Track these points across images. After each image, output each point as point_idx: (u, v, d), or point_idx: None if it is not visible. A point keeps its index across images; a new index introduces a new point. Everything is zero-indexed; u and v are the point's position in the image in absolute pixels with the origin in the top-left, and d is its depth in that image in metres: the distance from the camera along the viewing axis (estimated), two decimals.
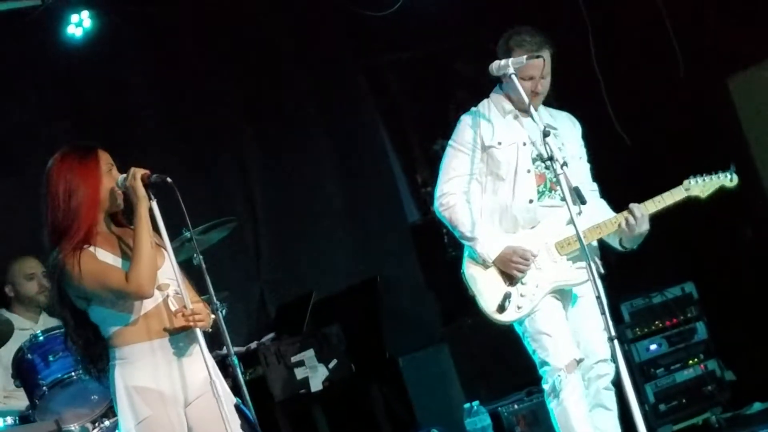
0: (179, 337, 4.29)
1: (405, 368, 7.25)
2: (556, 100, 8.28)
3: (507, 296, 5.06)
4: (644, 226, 5.14)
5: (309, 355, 6.82)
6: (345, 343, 7.05)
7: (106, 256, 4.28)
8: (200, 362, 4.26)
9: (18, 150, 7.16)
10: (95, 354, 4.34)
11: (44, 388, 5.67)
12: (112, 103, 7.49)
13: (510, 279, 5.09)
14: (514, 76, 4.89)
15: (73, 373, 5.68)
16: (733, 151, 7.32)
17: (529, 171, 5.13)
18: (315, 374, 6.80)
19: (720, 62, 7.43)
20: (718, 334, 7.36)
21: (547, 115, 5.24)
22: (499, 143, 5.15)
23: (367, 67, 8.50)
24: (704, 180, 5.22)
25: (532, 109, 4.87)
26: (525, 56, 4.91)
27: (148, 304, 4.27)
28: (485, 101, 5.28)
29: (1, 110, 7.07)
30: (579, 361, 5.05)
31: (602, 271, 5.14)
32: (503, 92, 5.24)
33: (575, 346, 5.10)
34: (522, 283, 5.07)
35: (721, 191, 5.26)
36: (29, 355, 5.74)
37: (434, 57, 8.20)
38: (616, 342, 4.58)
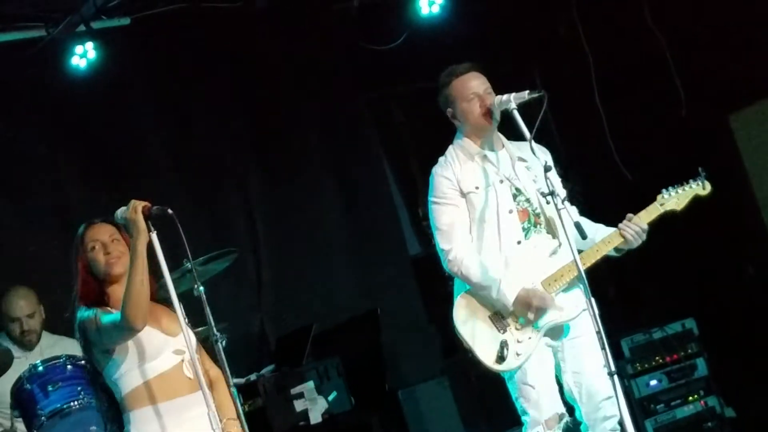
0: (193, 396, 4.34)
1: (405, 401, 7.23)
2: (558, 134, 8.37)
3: (504, 344, 4.95)
4: (641, 239, 5.09)
5: (309, 387, 6.80)
6: (345, 375, 7.03)
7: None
8: (207, 422, 4.28)
9: (20, 180, 7.18)
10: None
11: (43, 418, 5.63)
12: (115, 134, 7.51)
13: (502, 326, 4.99)
14: (515, 111, 4.86)
15: (72, 404, 5.65)
16: (735, 187, 7.35)
17: (511, 211, 5.04)
18: (314, 407, 6.77)
19: (721, 99, 7.46)
20: (719, 370, 7.36)
21: (515, 148, 5.14)
22: (476, 188, 5.06)
23: (370, 99, 8.53)
24: (677, 191, 5.16)
25: (535, 146, 4.81)
26: (526, 92, 4.88)
27: (162, 366, 4.37)
28: (450, 148, 5.18)
29: (3, 140, 7.09)
30: (561, 417, 4.99)
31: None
32: (464, 136, 5.16)
33: (559, 400, 5.03)
34: (516, 329, 4.98)
35: (696, 201, 5.17)
36: (28, 385, 5.70)
37: (437, 90, 8.24)
38: (616, 377, 4.57)
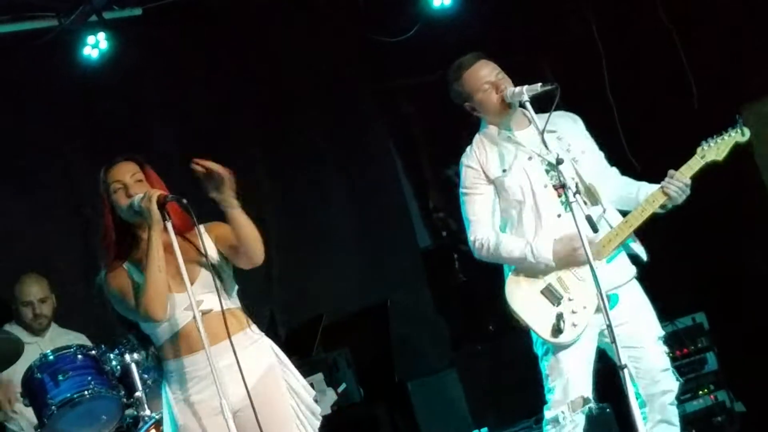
0: (217, 348, 4.27)
1: (414, 393, 7.23)
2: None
3: (560, 317, 4.90)
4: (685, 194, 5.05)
5: (318, 378, 6.81)
6: (354, 367, 7.04)
7: (135, 272, 4.35)
8: (247, 371, 4.26)
9: (30, 169, 7.19)
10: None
11: (53, 407, 5.67)
12: (126, 125, 7.51)
13: (555, 299, 4.95)
14: (528, 104, 4.86)
15: (82, 393, 5.68)
16: (745, 179, 7.32)
17: (546, 186, 5.01)
18: (324, 398, 6.78)
19: (733, 91, 7.44)
20: (729, 365, 7.34)
21: (543, 121, 5.01)
22: (504, 171, 5.04)
23: (380, 91, 8.52)
24: (716, 141, 5.11)
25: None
26: (539, 84, 4.87)
27: (180, 323, 4.33)
28: (477, 137, 5.16)
29: (15, 130, 7.10)
30: (586, 401, 4.96)
31: (645, 258, 5.10)
32: (487, 122, 5.13)
33: (589, 384, 4.99)
34: (570, 299, 4.93)
35: (738, 149, 5.13)
36: (39, 374, 5.74)
37: (447, 85, 8.24)
38: (626, 370, 4.57)
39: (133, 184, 4.42)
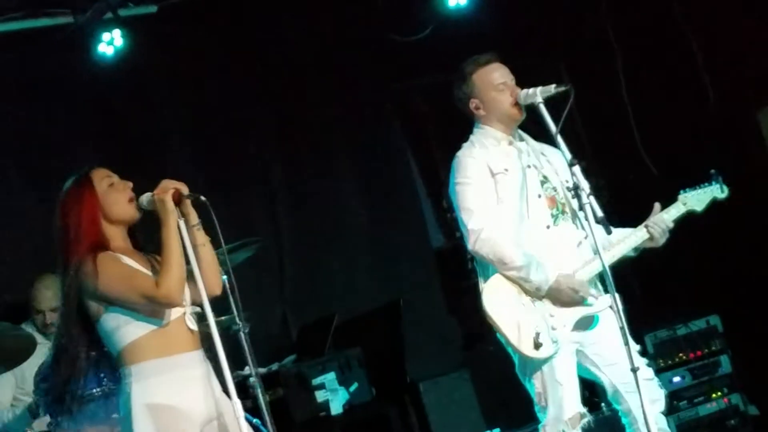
0: (196, 354, 4.24)
1: (426, 393, 7.21)
2: (584, 128, 8.33)
3: (539, 332, 4.84)
4: (665, 237, 5.05)
5: (330, 378, 6.80)
6: (366, 366, 7.03)
7: (130, 262, 4.25)
8: (217, 381, 4.24)
9: (44, 166, 7.19)
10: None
11: (66, 404, 5.66)
12: (140, 122, 7.52)
13: (535, 312, 4.88)
14: (542, 105, 4.83)
15: (94, 391, 5.67)
16: (762, 183, 7.30)
17: (539, 196, 4.98)
18: (335, 397, 6.77)
19: (749, 94, 7.41)
20: (743, 368, 7.31)
21: (537, 144, 5.10)
22: (506, 170, 4.98)
23: (395, 91, 8.51)
24: (696, 191, 5.12)
25: (559, 138, 4.78)
26: (552, 86, 4.85)
27: (167, 317, 4.21)
28: (473, 136, 5.11)
29: (29, 127, 7.11)
30: (582, 416, 4.93)
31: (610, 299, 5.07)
32: (486, 124, 5.09)
33: (579, 399, 4.96)
34: (551, 315, 4.88)
35: (715, 204, 5.14)
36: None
37: (457, 80, 8.23)
38: (638, 373, 4.55)
39: (120, 181, 4.39)
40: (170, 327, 4.23)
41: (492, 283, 4.95)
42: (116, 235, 4.33)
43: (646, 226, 5.03)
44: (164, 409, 4.17)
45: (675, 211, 5.10)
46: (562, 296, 4.88)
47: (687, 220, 5.14)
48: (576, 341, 4.96)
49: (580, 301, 4.89)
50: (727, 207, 5.19)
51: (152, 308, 4.19)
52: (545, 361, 4.89)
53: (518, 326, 4.87)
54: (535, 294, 4.90)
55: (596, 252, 4.63)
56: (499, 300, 4.93)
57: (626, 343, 4.53)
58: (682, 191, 5.13)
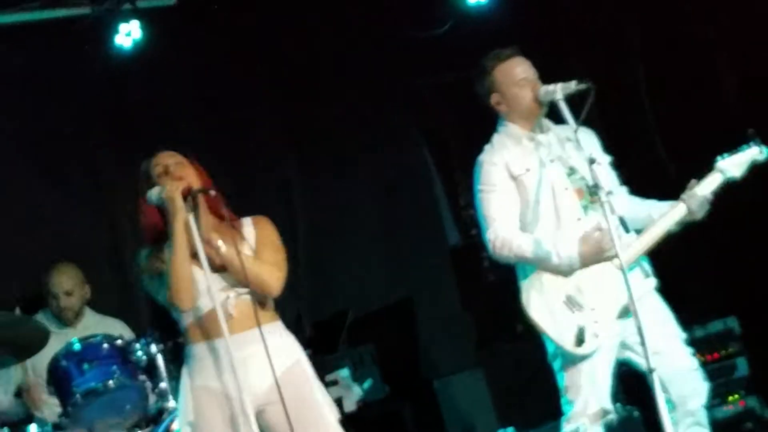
0: (240, 339, 4.28)
1: (439, 391, 7.20)
2: (603, 126, 8.27)
3: (581, 328, 4.81)
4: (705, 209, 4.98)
5: (344, 374, 6.80)
6: (380, 363, 7.02)
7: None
8: (266, 366, 4.26)
9: (60, 158, 7.20)
10: None
11: (77, 396, 5.67)
12: (156, 117, 7.50)
13: (576, 307, 4.86)
14: (562, 102, 4.80)
15: (106, 383, 5.68)
16: None
17: (567, 188, 4.94)
18: (349, 394, 6.76)
19: None
20: (760, 370, 7.27)
21: (561, 130, 5.04)
22: (527, 170, 4.96)
23: (413, 87, 8.48)
24: (734, 157, 5.00)
25: (582, 131, 4.75)
26: (573, 83, 4.82)
27: (204, 306, 4.32)
28: (496, 136, 5.09)
29: (46, 118, 7.11)
30: (605, 412, 4.90)
31: (655, 281, 5.00)
32: (508, 122, 5.07)
33: (608, 395, 4.93)
34: (591, 309, 4.85)
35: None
36: (64, 362, 5.75)
37: (477, 75, 8.21)
38: (655, 374, 4.51)
39: (174, 165, 4.45)
40: (212, 312, 4.29)
41: (530, 282, 4.94)
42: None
43: (682, 200, 4.96)
44: (201, 390, 4.31)
45: (711, 179, 5.00)
46: (593, 257, 4.83)
47: (703, 221, 5.06)
48: (618, 332, 4.90)
49: (610, 251, 4.75)
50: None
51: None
52: (576, 361, 4.87)
53: (560, 323, 4.85)
54: (571, 270, 4.85)
55: (619, 259, 4.57)
56: (538, 298, 4.90)
57: (642, 343, 4.48)
58: (719, 157, 5.02)
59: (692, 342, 7.07)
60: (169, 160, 4.48)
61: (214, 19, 7.53)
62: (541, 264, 4.90)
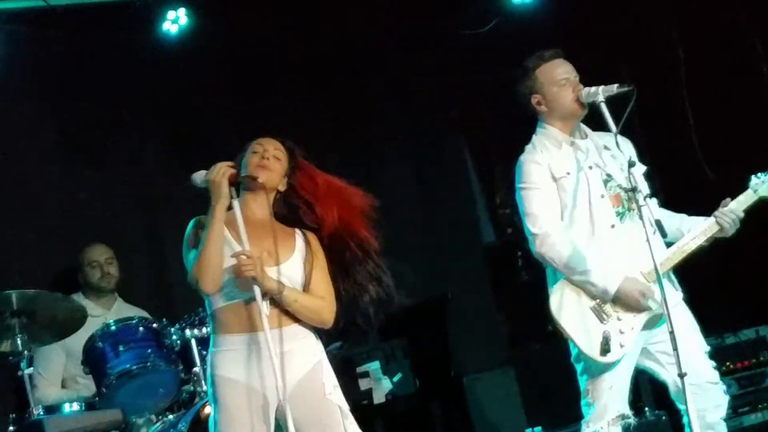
0: (274, 334, 4.24)
1: (469, 388, 7.21)
2: (642, 130, 8.26)
3: (607, 337, 4.82)
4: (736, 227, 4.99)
5: (374, 367, 6.82)
6: (411, 358, 7.03)
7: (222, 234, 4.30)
8: (297, 363, 4.29)
9: (101, 144, 7.24)
10: None
11: (112, 377, 5.72)
12: (199, 104, 7.53)
13: (603, 316, 4.87)
14: (603, 104, 4.80)
15: (141, 365, 5.73)
16: None
17: (603, 196, 4.94)
18: (379, 386, 6.79)
19: None
20: None
21: (598, 137, 5.05)
22: (568, 173, 4.96)
23: (453, 85, 8.48)
24: (766, 176, 4.99)
25: (618, 138, 4.75)
26: (615, 85, 4.82)
27: (236, 295, 4.27)
28: (535, 137, 5.08)
29: (90, 102, 7.16)
30: (623, 416, 4.91)
31: (682, 294, 5.02)
32: (548, 124, 5.07)
33: (626, 401, 4.95)
34: (618, 319, 4.86)
35: None
36: (100, 344, 5.80)
37: (519, 75, 8.19)
38: (685, 379, 4.52)
39: (272, 150, 4.46)
40: (246, 304, 4.27)
41: (560, 287, 4.94)
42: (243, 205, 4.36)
43: (715, 217, 4.97)
44: (229, 382, 4.25)
45: (745, 198, 5.01)
46: (628, 300, 4.85)
47: (739, 231, 5.05)
48: (642, 341, 4.93)
49: (647, 306, 4.84)
50: None
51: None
52: (598, 367, 4.88)
53: (586, 330, 4.86)
54: (602, 298, 4.87)
55: (652, 258, 4.59)
56: (567, 304, 4.91)
57: (675, 348, 4.49)
58: (753, 176, 5.02)
59: (723, 349, 7.13)
60: (269, 145, 4.48)
61: (259, 8, 7.56)
62: (572, 277, 4.91)
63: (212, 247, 4.22)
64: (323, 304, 4.42)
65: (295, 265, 4.40)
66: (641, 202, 4.58)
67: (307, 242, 4.47)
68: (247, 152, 4.48)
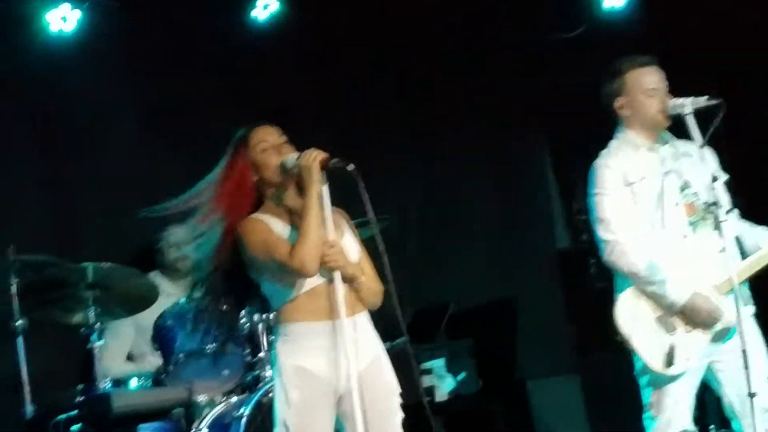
0: (348, 321, 4.21)
1: (532, 393, 7.18)
2: (727, 143, 8.12)
3: (673, 347, 4.77)
4: None
5: (439, 364, 6.82)
6: (476, 358, 7.02)
7: (275, 224, 4.26)
8: (366, 351, 4.28)
9: (184, 128, 7.28)
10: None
11: (180, 356, 5.79)
12: (277, 90, 7.54)
13: (670, 327, 4.81)
14: (690, 116, 4.73)
15: (208, 346, 5.78)
16: None
17: (677, 204, 4.86)
18: (442, 384, 6.79)
19: None
20: None
21: (683, 146, 4.97)
22: (643, 178, 4.89)
23: (536, 88, 8.43)
24: None
25: (706, 149, 4.70)
26: (704, 98, 4.75)
27: (312, 282, 4.21)
28: (613, 142, 5.02)
29: (174, 80, 7.20)
30: None
31: (755, 309, 4.92)
32: (628, 129, 5.00)
33: (689, 417, 4.86)
34: (687, 332, 4.80)
35: None
36: (170, 322, 5.87)
37: (607, 77, 8.11)
38: (756, 399, 4.46)
39: (282, 145, 4.36)
40: (320, 291, 4.23)
41: (627, 296, 4.89)
42: (276, 196, 4.34)
43: None
44: (301, 371, 4.21)
45: None
46: (695, 317, 4.78)
47: None
48: (708, 355, 4.86)
49: (713, 325, 4.78)
50: None
51: (291, 277, 4.20)
52: (663, 381, 4.82)
53: (651, 341, 4.80)
54: (669, 310, 4.81)
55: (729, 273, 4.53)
56: (633, 313, 4.85)
57: (746, 366, 4.43)
58: None
59: None
60: (275, 138, 4.36)
61: (350, 3, 7.56)
62: (642, 286, 4.84)
63: (316, 229, 4.16)
64: (378, 285, 4.38)
65: (351, 243, 4.37)
66: (722, 218, 4.52)
67: (348, 222, 4.44)
68: (257, 153, 4.34)
